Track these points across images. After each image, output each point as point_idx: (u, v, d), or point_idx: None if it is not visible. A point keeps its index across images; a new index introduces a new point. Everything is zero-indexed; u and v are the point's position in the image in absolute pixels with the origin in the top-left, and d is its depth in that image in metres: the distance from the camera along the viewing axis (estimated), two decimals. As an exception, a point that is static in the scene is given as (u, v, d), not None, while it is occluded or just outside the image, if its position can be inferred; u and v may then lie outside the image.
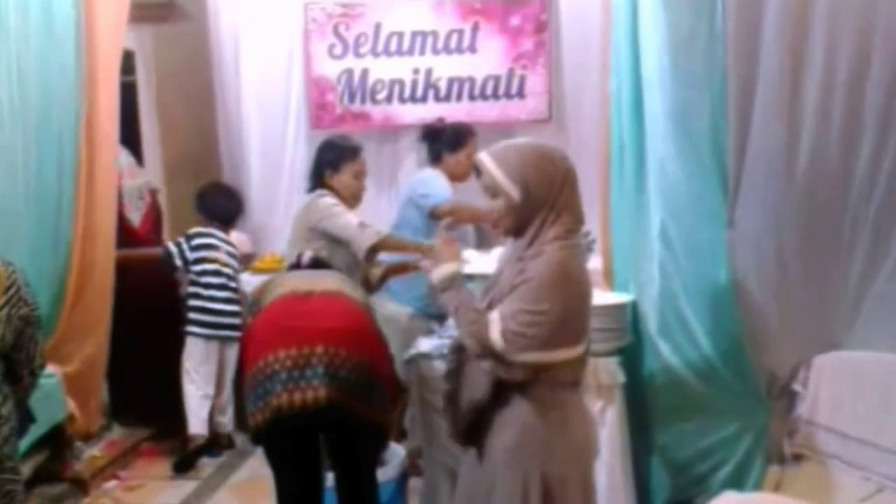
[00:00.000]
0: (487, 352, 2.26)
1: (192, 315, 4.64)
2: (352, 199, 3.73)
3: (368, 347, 3.00)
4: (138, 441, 4.78)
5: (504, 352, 2.22)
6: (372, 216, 3.94)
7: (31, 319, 2.49)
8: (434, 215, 4.20)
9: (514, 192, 2.30)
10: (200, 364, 4.63)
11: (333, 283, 3.10)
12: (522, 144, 2.42)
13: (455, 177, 4.44)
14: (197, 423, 4.62)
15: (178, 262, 4.64)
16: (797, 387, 3.22)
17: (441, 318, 3.96)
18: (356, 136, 4.04)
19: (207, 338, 4.62)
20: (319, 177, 3.71)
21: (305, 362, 2.85)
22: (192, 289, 4.66)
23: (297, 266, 3.36)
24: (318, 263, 3.33)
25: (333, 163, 3.70)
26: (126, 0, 4.24)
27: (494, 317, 2.26)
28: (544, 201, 2.30)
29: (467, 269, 3.33)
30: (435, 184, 4.37)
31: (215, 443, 4.74)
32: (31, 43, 3.68)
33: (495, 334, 2.23)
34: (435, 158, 4.52)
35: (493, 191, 2.35)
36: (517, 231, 2.36)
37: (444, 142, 4.48)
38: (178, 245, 4.66)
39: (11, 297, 2.39)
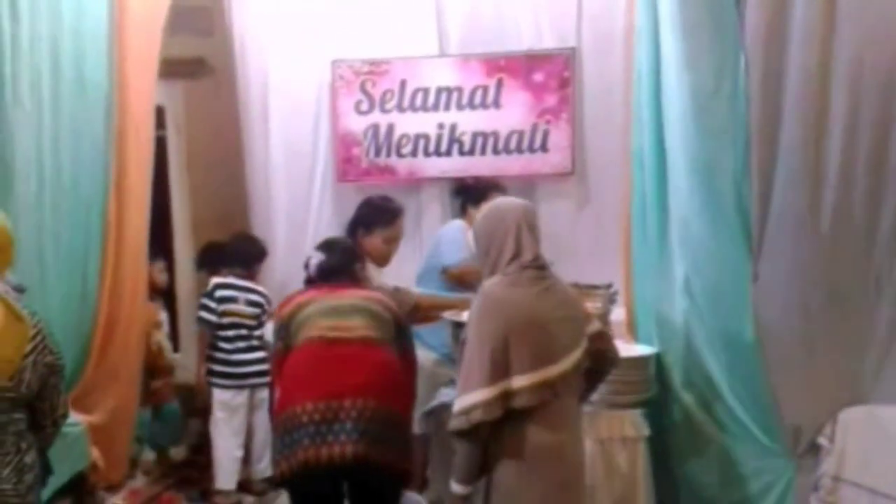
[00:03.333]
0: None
1: (216, 367, 4.63)
2: (380, 260, 3.75)
3: (395, 396, 3.00)
4: (161, 490, 4.78)
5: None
6: (397, 265, 3.98)
7: (55, 368, 2.52)
8: (445, 274, 4.24)
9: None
10: (229, 416, 4.59)
11: (361, 325, 3.07)
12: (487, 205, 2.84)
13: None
14: (224, 478, 4.57)
15: (214, 318, 4.64)
16: (823, 441, 3.19)
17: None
18: (393, 194, 4.07)
19: (236, 388, 4.61)
20: (352, 234, 3.72)
21: (333, 416, 2.86)
22: (221, 343, 4.67)
23: (306, 268, 3.35)
24: (328, 270, 3.30)
25: (367, 223, 3.72)
26: (154, 62, 4.34)
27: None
28: (487, 245, 2.67)
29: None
30: (453, 238, 4.41)
31: (246, 490, 4.71)
32: (64, 107, 3.76)
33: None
34: (462, 211, 4.57)
35: None
36: None
37: (469, 196, 4.53)
38: (207, 308, 4.65)
39: (37, 346, 2.43)
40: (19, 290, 2.56)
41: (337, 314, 3.12)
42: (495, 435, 2.54)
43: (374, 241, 3.71)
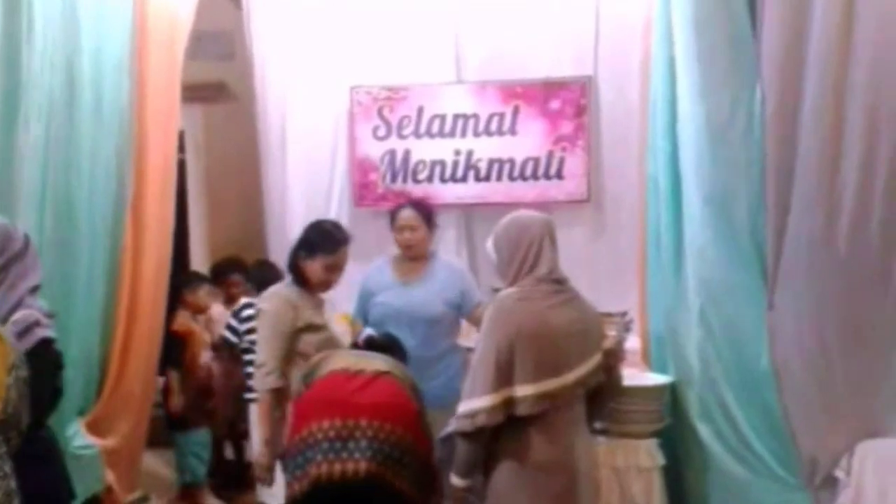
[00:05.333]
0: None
1: None
2: (319, 287, 3.59)
3: (412, 425, 2.98)
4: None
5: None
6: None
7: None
8: None
9: (493, 255, 2.81)
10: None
11: (385, 364, 3.10)
12: (509, 215, 2.86)
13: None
14: (267, 496, 4.50)
15: (236, 340, 4.66)
16: (840, 474, 3.15)
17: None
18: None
19: None
20: (294, 257, 3.59)
21: (349, 434, 2.85)
22: (249, 357, 4.64)
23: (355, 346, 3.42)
24: (374, 344, 3.35)
25: (310, 248, 3.56)
26: (176, 86, 4.39)
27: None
28: (510, 254, 2.74)
29: None
30: None
31: None
32: (82, 130, 3.76)
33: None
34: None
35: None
36: None
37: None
38: (230, 328, 4.68)
39: (14, 362, 2.43)
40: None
41: (362, 355, 3.19)
42: (496, 438, 2.65)
43: (314, 266, 3.53)
